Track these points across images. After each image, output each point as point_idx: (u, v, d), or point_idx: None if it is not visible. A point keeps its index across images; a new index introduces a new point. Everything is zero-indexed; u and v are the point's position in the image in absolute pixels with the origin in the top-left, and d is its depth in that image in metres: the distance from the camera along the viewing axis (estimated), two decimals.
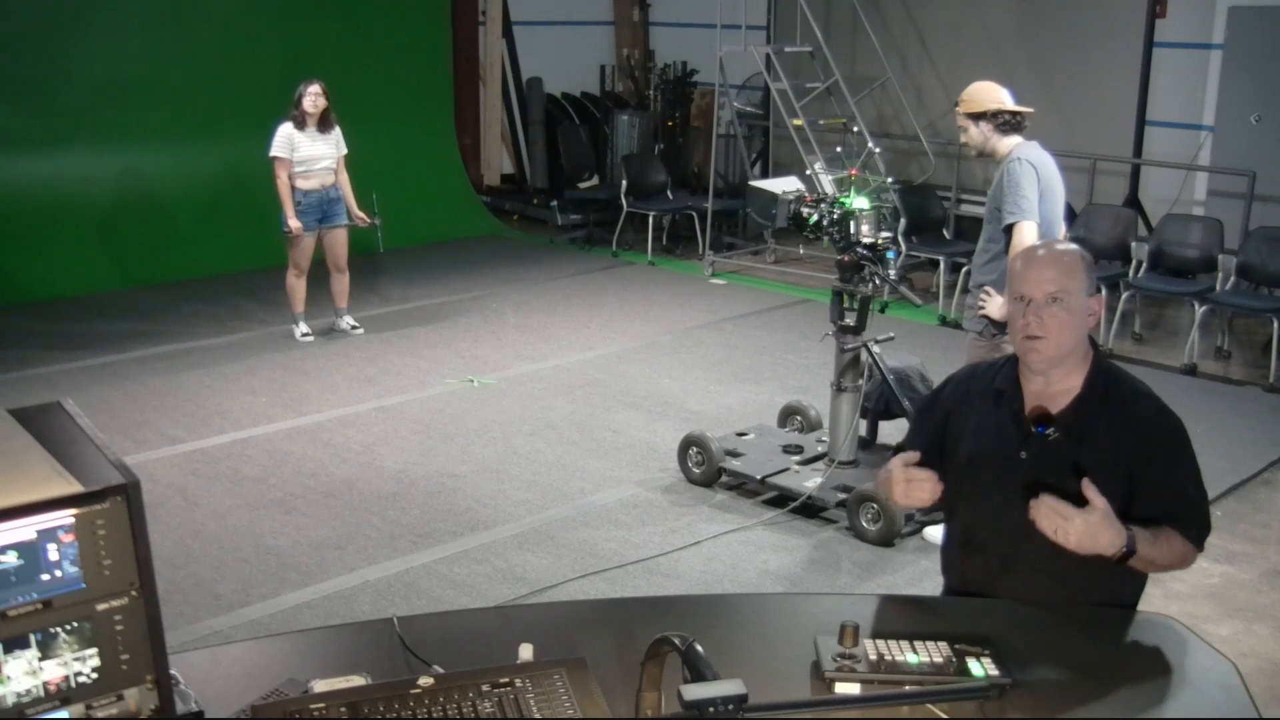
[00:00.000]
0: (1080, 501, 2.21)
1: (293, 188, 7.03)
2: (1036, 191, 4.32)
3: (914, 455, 2.41)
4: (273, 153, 6.97)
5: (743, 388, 6.67)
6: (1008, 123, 4.46)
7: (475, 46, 11.51)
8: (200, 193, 9.28)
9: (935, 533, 4.64)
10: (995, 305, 4.33)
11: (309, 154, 7.03)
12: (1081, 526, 2.16)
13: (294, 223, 7.03)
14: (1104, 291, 2.45)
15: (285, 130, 6.97)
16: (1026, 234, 4.23)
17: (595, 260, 9.85)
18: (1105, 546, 2.19)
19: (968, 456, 2.47)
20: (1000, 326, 4.36)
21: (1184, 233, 7.69)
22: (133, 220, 8.98)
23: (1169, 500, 2.34)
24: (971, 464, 2.46)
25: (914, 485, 2.35)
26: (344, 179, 7.26)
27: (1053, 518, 2.18)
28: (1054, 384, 2.39)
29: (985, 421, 2.47)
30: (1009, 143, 4.47)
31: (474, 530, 4.87)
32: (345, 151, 7.23)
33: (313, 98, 6.96)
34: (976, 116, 4.48)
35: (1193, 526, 2.35)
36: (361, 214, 7.30)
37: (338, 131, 7.16)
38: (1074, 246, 2.43)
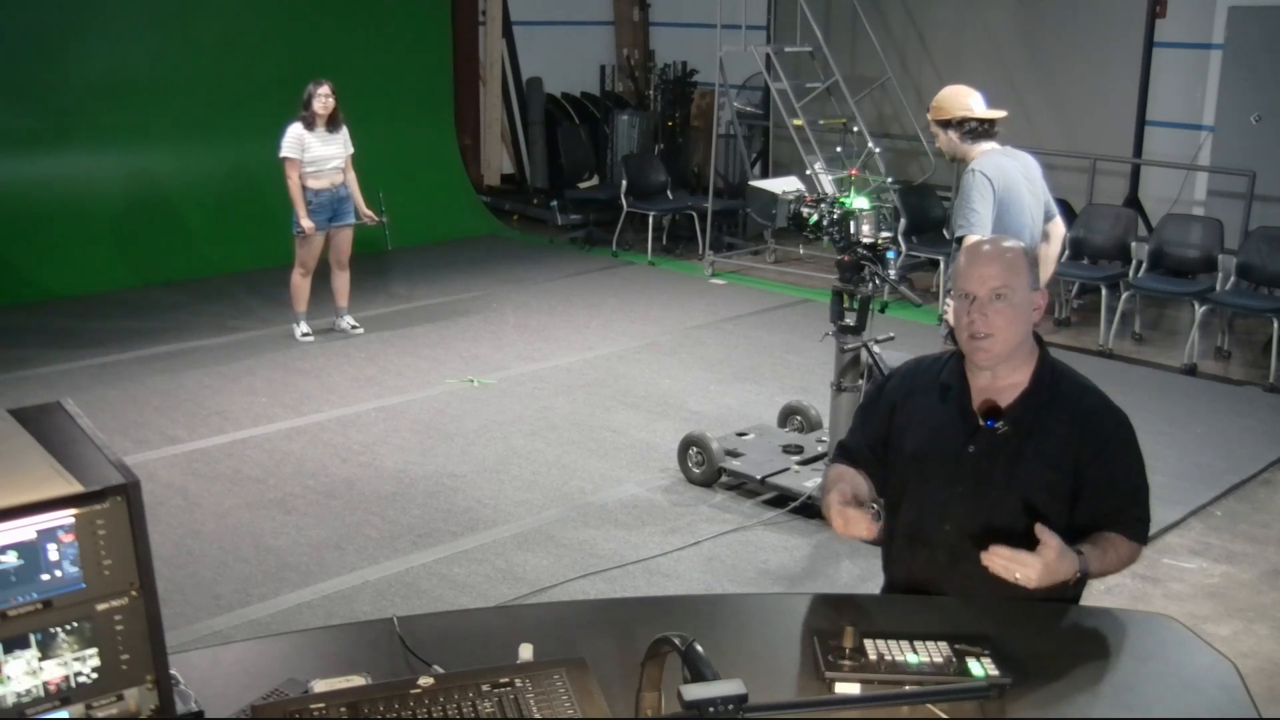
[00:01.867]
0: (1026, 489, 2.28)
1: (304, 187, 7.04)
2: (990, 204, 4.28)
3: (848, 493, 2.41)
4: (283, 153, 6.97)
5: (743, 388, 6.67)
6: (974, 130, 4.43)
7: (475, 46, 11.50)
8: (204, 192, 9.29)
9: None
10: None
11: (320, 154, 7.04)
12: (1041, 570, 2.16)
13: (307, 223, 7.04)
14: (1044, 289, 2.46)
15: (295, 131, 6.97)
16: None
17: (595, 260, 9.85)
18: (1063, 576, 2.20)
19: (914, 451, 2.47)
20: None
21: (1184, 233, 7.69)
22: (136, 219, 8.99)
23: (1114, 494, 2.36)
24: (917, 458, 2.46)
25: (851, 524, 2.33)
26: (351, 178, 7.27)
27: (1010, 568, 2.17)
28: (1001, 379, 2.40)
29: (931, 416, 2.47)
30: (978, 149, 4.44)
31: (474, 530, 4.87)
32: (352, 151, 7.24)
33: (323, 99, 6.97)
34: (944, 124, 4.46)
35: (1135, 521, 2.37)
36: (370, 212, 7.31)
37: (345, 131, 7.17)
38: (1016, 243, 2.45)
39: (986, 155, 4.40)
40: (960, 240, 4.28)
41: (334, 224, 7.23)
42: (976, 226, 4.25)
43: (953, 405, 2.44)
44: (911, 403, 2.51)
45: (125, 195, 8.98)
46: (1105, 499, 2.34)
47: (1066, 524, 2.33)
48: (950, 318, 4.26)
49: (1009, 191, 4.34)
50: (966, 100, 4.44)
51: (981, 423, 2.37)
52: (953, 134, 4.44)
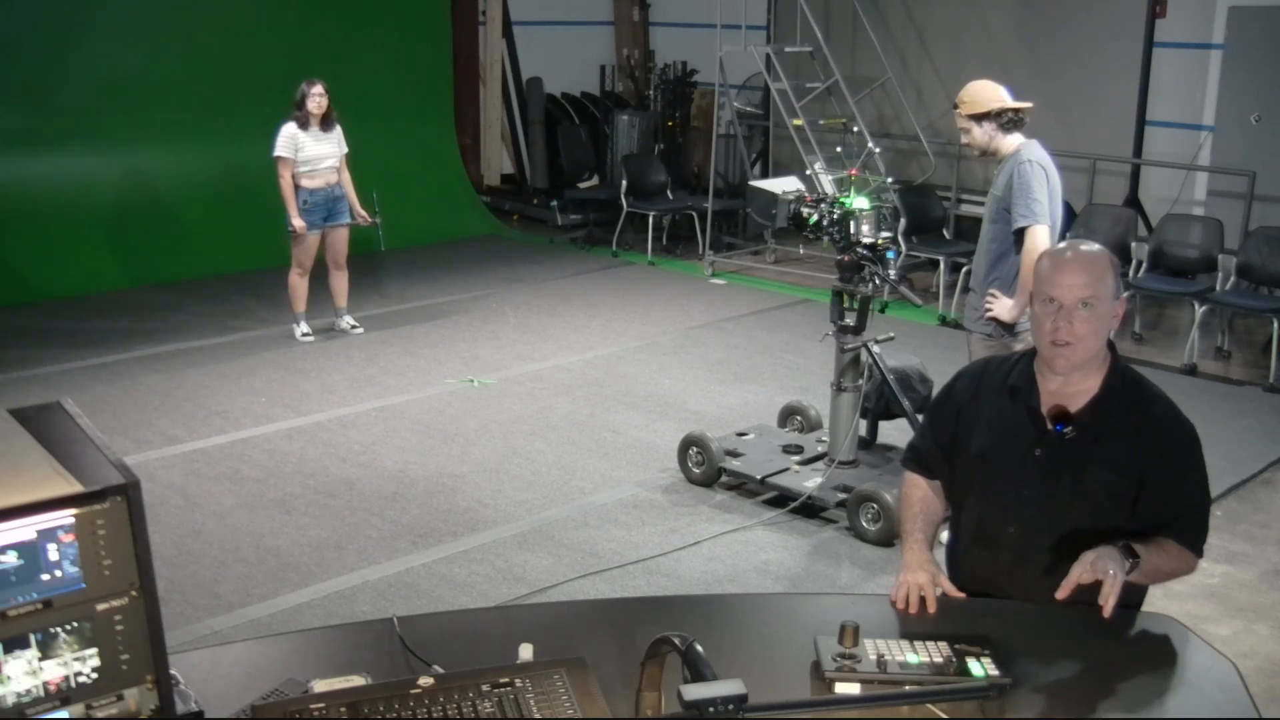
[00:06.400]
0: (1091, 494, 2.29)
1: (298, 187, 7.05)
2: (1046, 193, 4.32)
3: (926, 550, 2.49)
4: (276, 153, 6.99)
5: (743, 388, 6.67)
6: (1011, 120, 4.46)
7: (475, 46, 11.51)
8: (203, 192, 9.29)
9: (944, 533, 4.64)
10: (1004, 307, 4.34)
11: (313, 153, 7.05)
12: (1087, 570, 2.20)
13: (298, 222, 7.06)
14: (1124, 293, 2.44)
15: (289, 130, 6.99)
16: (1040, 237, 4.23)
17: (595, 260, 9.85)
18: (1115, 567, 2.20)
19: (980, 451, 2.47)
20: (1009, 327, 4.36)
21: (1184, 233, 7.69)
22: (135, 220, 8.99)
23: (1173, 503, 2.34)
24: (984, 459, 2.46)
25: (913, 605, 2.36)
26: (346, 178, 7.27)
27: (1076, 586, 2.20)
28: (1072, 384, 2.38)
29: (999, 417, 2.46)
30: (1012, 141, 4.46)
31: (474, 530, 4.87)
32: (347, 150, 7.25)
33: (316, 98, 6.98)
34: (979, 117, 4.47)
35: (1191, 532, 2.36)
36: (364, 212, 7.32)
37: (339, 130, 7.18)
38: (1100, 249, 2.41)
39: (1030, 146, 4.45)
40: (1020, 232, 4.30)
41: (329, 224, 7.24)
42: (1041, 215, 4.29)
43: (1021, 408, 2.43)
44: (979, 402, 2.51)
45: (124, 195, 8.98)
46: (1163, 507, 2.33)
47: (1123, 529, 2.33)
48: (998, 313, 4.32)
49: (1054, 183, 4.39)
50: (998, 92, 4.48)
51: (1050, 427, 2.35)
52: (989, 126, 4.46)
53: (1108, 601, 2.16)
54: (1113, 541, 2.25)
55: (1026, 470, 2.39)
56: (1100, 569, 2.18)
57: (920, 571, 2.39)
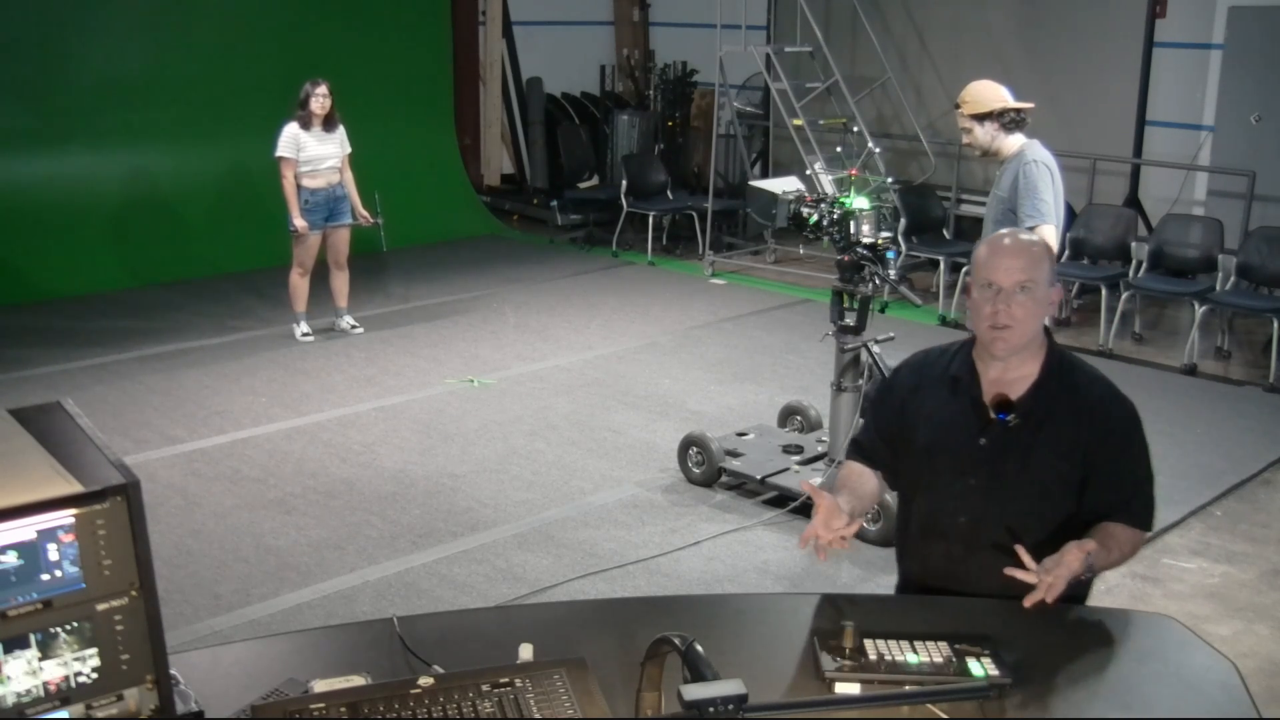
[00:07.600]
0: (1039, 481, 2.34)
1: (300, 187, 7.06)
2: (1052, 193, 4.33)
3: (843, 503, 2.36)
4: (279, 153, 6.99)
5: (743, 388, 6.67)
6: (1013, 121, 4.47)
7: (475, 46, 11.51)
8: (204, 192, 9.30)
9: None
10: None
11: (315, 153, 7.05)
12: (1065, 576, 2.20)
13: (300, 222, 7.06)
14: (1059, 284, 2.47)
15: (291, 130, 6.99)
16: (1048, 237, 4.24)
17: (595, 260, 9.85)
18: (1078, 572, 2.23)
19: (925, 445, 2.48)
20: None
21: (1184, 233, 7.70)
22: (136, 219, 9.00)
23: (1120, 485, 2.37)
24: (929, 452, 2.48)
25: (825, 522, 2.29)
26: (349, 178, 7.27)
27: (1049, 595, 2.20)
28: (1011, 370, 2.41)
29: (942, 408, 2.48)
30: (1014, 141, 4.47)
31: (474, 530, 4.87)
32: (349, 150, 7.25)
33: (320, 99, 6.98)
34: (981, 117, 4.48)
35: (1140, 512, 2.39)
36: (365, 213, 7.32)
37: (342, 130, 7.18)
38: (1036, 237, 2.47)
39: (1034, 146, 4.46)
40: (1031, 230, 4.31)
41: (330, 224, 7.24)
42: (1048, 215, 4.31)
43: (964, 398, 2.45)
44: (921, 396, 2.52)
45: (124, 195, 8.99)
46: (1112, 488, 2.36)
47: (1073, 513, 2.36)
48: None
49: (1058, 182, 4.41)
50: (1000, 92, 4.49)
51: (993, 416, 2.38)
52: (991, 126, 4.47)
53: (1041, 594, 2.19)
54: (1076, 537, 2.27)
55: (972, 460, 2.41)
56: (1049, 573, 2.19)
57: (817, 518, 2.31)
